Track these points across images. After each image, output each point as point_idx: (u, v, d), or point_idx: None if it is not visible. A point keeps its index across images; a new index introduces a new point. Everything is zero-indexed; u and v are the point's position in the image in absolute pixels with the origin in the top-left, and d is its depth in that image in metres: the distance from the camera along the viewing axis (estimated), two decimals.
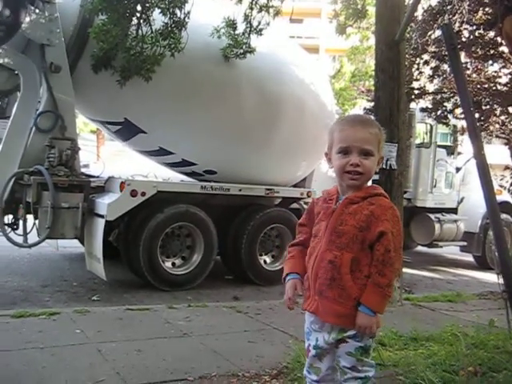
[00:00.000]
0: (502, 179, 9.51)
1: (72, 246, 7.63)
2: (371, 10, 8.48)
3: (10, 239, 5.79)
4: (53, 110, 5.94)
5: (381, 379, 3.27)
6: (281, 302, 5.69)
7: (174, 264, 6.74)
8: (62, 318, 4.50)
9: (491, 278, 7.84)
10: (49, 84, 5.91)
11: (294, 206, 7.89)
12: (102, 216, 5.95)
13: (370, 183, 2.38)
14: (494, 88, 8.62)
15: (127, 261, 6.56)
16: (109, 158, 9.50)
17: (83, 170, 6.56)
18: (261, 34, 6.56)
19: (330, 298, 2.15)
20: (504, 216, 8.28)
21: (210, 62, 6.63)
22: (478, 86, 8.59)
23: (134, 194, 6.10)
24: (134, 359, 3.62)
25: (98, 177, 6.73)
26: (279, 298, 6.04)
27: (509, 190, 9.48)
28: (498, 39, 7.81)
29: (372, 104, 8.84)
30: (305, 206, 8.02)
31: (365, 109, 9.91)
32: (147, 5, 5.85)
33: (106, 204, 5.95)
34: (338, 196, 2.26)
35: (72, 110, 6.17)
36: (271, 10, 6.65)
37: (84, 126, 21.13)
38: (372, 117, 2.35)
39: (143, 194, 6.17)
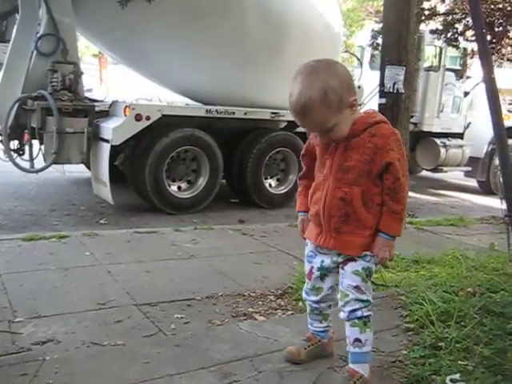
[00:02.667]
0: (510, 104, 9.37)
1: (78, 170, 7.70)
2: None
3: (16, 165, 5.83)
4: (53, 32, 5.81)
5: (383, 299, 3.38)
6: (285, 225, 5.80)
7: (179, 188, 6.81)
8: (71, 240, 4.60)
9: (494, 203, 7.93)
10: (48, 5, 5.74)
11: (300, 129, 7.85)
12: (107, 140, 5.95)
13: (370, 109, 2.31)
14: (509, 8, 8.31)
15: (133, 185, 6.62)
16: (112, 82, 9.37)
17: (87, 94, 6.50)
18: None
19: (347, 232, 2.19)
20: (510, 141, 8.21)
21: None
22: (492, 7, 8.28)
23: (138, 118, 6.06)
24: (143, 280, 3.74)
25: (101, 101, 6.67)
26: (284, 221, 6.16)
27: None
28: None
29: (380, 25, 8.59)
30: None
31: (373, 30, 9.61)
32: None
33: (110, 128, 5.93)
34: None
35: (73, 33, 6.03)
36: None
37: (86, 49, 20.67)
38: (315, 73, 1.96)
39: (148, 117, 6.13)
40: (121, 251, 4.42)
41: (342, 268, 2.27)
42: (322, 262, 2.32)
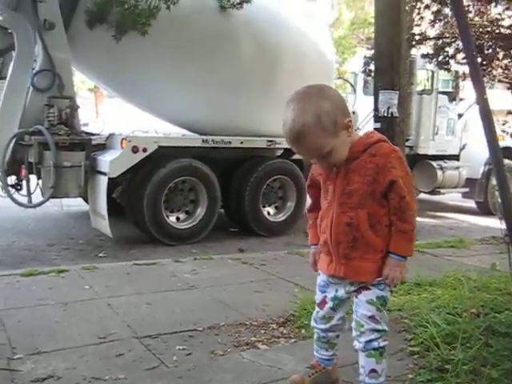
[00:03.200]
0: (504, 124, 9.43)
1: (76, 204, 7.70)
2: None
3: (14, 200, 5.82)
4: (49, 68, 5.87)
5: None
6: (285, 253, 5.78)
7: (178, 218, 6.79)
8: (70, 274, 4.57)
9: (493, 223, 7.92)
10: (43, 42, 5.82)
11: (296, 156, 7.89)
12: (104, 173, 5.96)
13: (368, 130, 2.32)
14: (497, 31, 8.45)
15: (132, 217, 6.61)
16: (108, 116, 9.44)
17: (83, 128, 6.54)
18: None
19: (357, 257, 2.14)
20: (506, 161, 8.25)
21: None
22: (481, 30, 8.42)
23: (135, 150, 6.09)
24: (144, 312, 3.70)
25: (98, 134, 6.71)
26: (284, 249, 6.14)
27: (511, 136, 9.40)
28: None
29: (372, 52, 8.71)
30: None
31: (365, 57, 9.74)
32: None
33: (108, 161, 5.95)
34: None
35: (69, 68, 6.10)
36: None
37: (82, 84, 20.87)
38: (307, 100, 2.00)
39: (145, 149, 6.15)
40: (120, 284, 4.38)
41: (356, 297, 2.21)
42: (336, 291, 2.27)
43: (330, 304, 2.31)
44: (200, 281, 4.54)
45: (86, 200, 6.79)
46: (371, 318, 2.16)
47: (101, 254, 5.89)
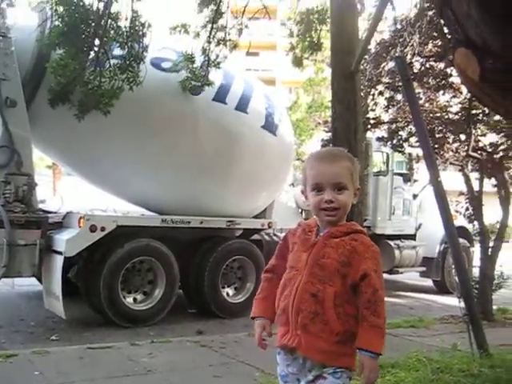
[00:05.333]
0: (457, 204, 9.74)
1: (29, 284, 7.41)
2: (326, 43, 8.70)
3: None
4: (8, 144, 5.82)
5: None
6: (245, 335, 5.65)
7: (135, 299, 6.61)
8: (19, 359, 4.35)
9: (451, 301, 7.98)
10: (4, 119, 5.80)
11: (256, 237, 7.89)
12: (60, 253, 5.82)
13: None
14: (447, 117, 8.88)
15: (87, 298, 6.40)
16: (66, 193, 9.32)
17: (40, 205, 6.42)
18: (218, 67, 6.64)
19: (313, 333, 2.07)
20: (461, 241, 8.46)
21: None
22: (431, 115, 8.83)
23: (93, 229, 5.99)
24: None
25: (55, 212, 6.59)
26: (243, 331, 6.00)
27: (464, 215, 9.68)
28: (448, 70, 8.10)
29: (329, 135, 8.99)
30: (266, 237, 8.03)
31: (322, 140, 10.05)
32: (105, 39, 5.85)
33: (64, 240, 5.83)
34: (318, 229, 2.21)
35: (28, 145, 6.05)
36: (228, 44, 6.75)
37: (40, 160, 20.71)
38: (345, 151, 2.34)
39: (103, 228, 6.07)
40: (73, 369, 4.18)
41: None
42: (299, 381, 2.15)
43: None
44: (157, 365, 4.38)
45: (39, 279, 6.56)
46: None
47: (53, 337, 5.64)
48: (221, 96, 6.97)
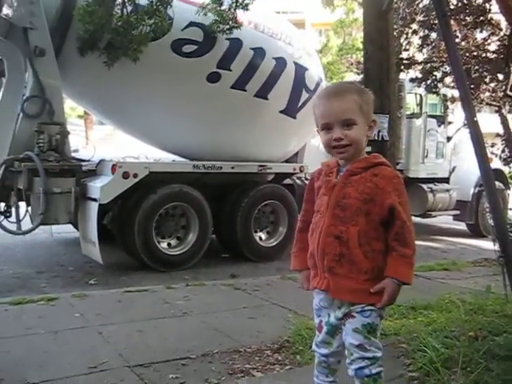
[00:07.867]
0: (492, 146, 9.52)
1: (66, 231, 7.61)
2: None
3: (3, 227, 5.73)
4: (39, 94, 5.84)
5: (384, 348, 3.27)
6: (278, 278, 5.73)
7: (169, 244, 6.73)
8: (60, 303, 4.49)
9: (485, 245, 7.93)
10: (34, 68, 5.80)
11: (287, 181, 7.88)
12: (95, 199, 5.90)
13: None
14: (484, 55, 8.59)
15: (122, 243, 6.54)
16: (98, 142, 9.41)
17: (73, 154, 6.50)
18: (247, 9, 6.47)
19: (341, 274, 2.08)
20: (497, 183, 8.30)
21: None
22: (467, 54, 8.55)
23: (126, 175, 6.05)
24: (136, 340, 3.63)
25: (88, 160, 6.67)
26: (276, 274, 6.09)
27: (500, 158, 9.48)
28: (487, 6, 7.76)
29: (361, 77, 8.79)
30: (298, 181, 8.02)
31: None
32: None
33: (98, 187, 5.90)
34: (338, 168, 2.18)
35: (59, 94, 6.07)
36: None
37: (71, 111, 20.89)
38: (354, 83, 2.28)
39: (135, 175, 6.12)
40: (112, 311, 4.31)
41: (344, 325, 2.15)
42: (329, 316, 2.20)
43: (325, 329, 2.24)
44: (193, 307, 4.48)
45: (75, 226, 6.71)
46: (359, 346, 2.10)
47: (91, 281, 5.80)
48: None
